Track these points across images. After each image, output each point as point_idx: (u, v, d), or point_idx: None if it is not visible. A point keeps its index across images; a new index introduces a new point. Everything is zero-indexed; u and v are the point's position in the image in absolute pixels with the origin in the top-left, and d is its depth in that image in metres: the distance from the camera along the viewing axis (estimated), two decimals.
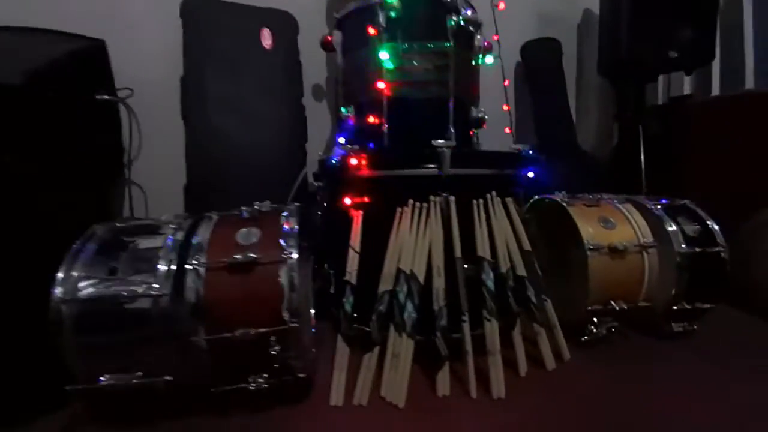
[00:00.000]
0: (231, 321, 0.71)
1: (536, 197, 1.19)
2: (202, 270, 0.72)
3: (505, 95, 1.20)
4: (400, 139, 0.99)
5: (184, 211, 1.25)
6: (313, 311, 0.99)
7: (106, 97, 1.17)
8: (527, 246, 0.98)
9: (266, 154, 1.31)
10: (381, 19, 0.97)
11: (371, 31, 0.98)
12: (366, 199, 0.93)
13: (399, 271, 0.86)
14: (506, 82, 1.21)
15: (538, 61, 1.86)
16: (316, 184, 1.07)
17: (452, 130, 0.99)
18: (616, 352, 1.02)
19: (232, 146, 1.26)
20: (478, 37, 1.12)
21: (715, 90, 1.94)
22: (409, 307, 0.84)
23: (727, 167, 1.69)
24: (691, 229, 1.04)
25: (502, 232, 0.94)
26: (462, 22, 0.99)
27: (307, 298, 0.95)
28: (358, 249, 0.91)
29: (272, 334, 0.70)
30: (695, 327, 1.06)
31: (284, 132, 1.36)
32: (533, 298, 0.93)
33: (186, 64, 1.30)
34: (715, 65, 1.94)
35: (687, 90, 2.06)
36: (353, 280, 0.89)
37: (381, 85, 0.96)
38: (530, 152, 1.00)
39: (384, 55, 0.96)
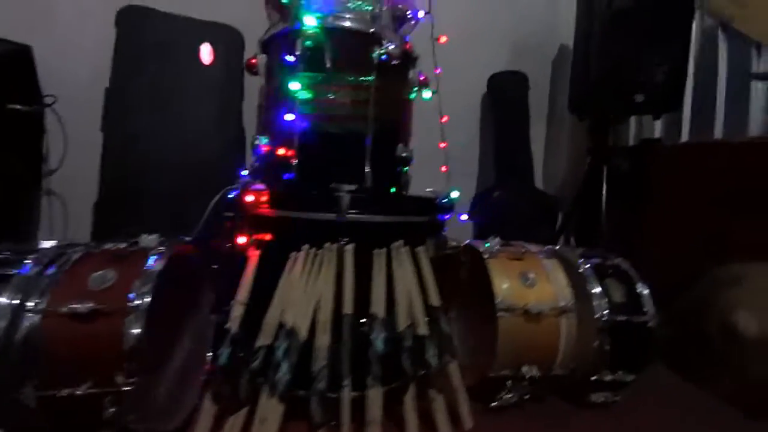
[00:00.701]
0: (64, 376, 0.63)
1: (468, 241, 1.12)
2: (37, 316, 0.65)
3: (442, 133, 1.14)
4: (311, 176, 0.92)
5: (92, 230, 1.18)
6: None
7: (18, 106, 1.11)
8: (436, 301, 0.91)
9: (192, 175, 1.24)
10: (298, 47, 0.91)
11: (289, 58, 0.92)
12: (262, 240, 0.87)
13: (281, 324, 0.79)
14: (444, 119, 1.15)
15: (503, 93, 1.81)
16: (226, 215, 0.99)
17: (367, 170, 0.92)
18: (526, 421, 0.94)
19: (153, 164, 1.19)
20: (413, 70, 1.06)
21: (685, 136, 1.89)
22: (284, 366, 0.76)
23: (690, 215, 1.63)
24: (619, 293, 0.97)
25: (405, 285, 0.87)
26: (386, 56, 0.93)
27: (181, 348, 0.88)
28: (246, 293, 0.83)
29: (106, 395, 0.63)
30: (617, 398, 0.98)
31: (216, 152, 1.30)
32: (432, 360, 0.86)
33: (112, 75, 1.24)
34: (686, 110, 1.90)
35: (659, 133, 2.01)
36: (234, 329, 0.81)
37: (289, 116, 0.90)
38: (444, 200, 0.93)
39: (295, 85, 0.90)
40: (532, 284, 0.94)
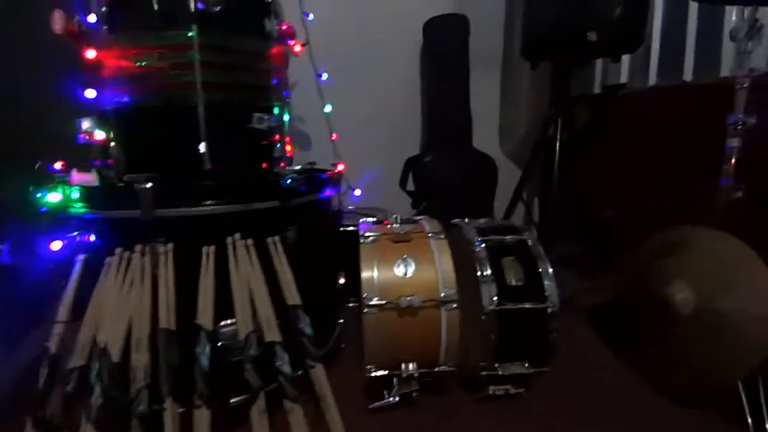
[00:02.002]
0: None
1: (361, 221, 0.99)
2: None
3: (320, 93, 0.98)
4: (136, 164, 0.79)
5: None
6: None
7: None
8: (293, 299, 0.79)
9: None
10: (93, 2, 0.75)
11: (90, 19, 0.76)
12: (83, 244, 0.75)
13: (94, 343, 0.69)
14: (323, 76, 0.98)
15: (438, 39, 1.58)
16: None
17: (203, 149, 0.78)
18: (413, 420, 0.85)
19: None
20: (271, 19, 0.89)
21: (653, 80, 1.66)
22: (97, 389, 0.67)
23: (655, 166, 1.46)
24: (517, 275, 0.84)
25: (244, 285, 0.75)
26: (203, 3, 0.75)
27: None
28: (66, 310, 0.73)
29: None
30: (522, 390, 0.88)
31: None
32: (285, 369, 0.76)
33: None
34: (654, 52, 1.66)
35: (625, 78, 1.78)
36: (53, 349, 0.72)
37: (90, 93, 0.75)
38: (289, 182, 0.78)
39: (91, 53, 0.74)
40: (411, 273, 0.82)
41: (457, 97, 1.46)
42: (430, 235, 0.87)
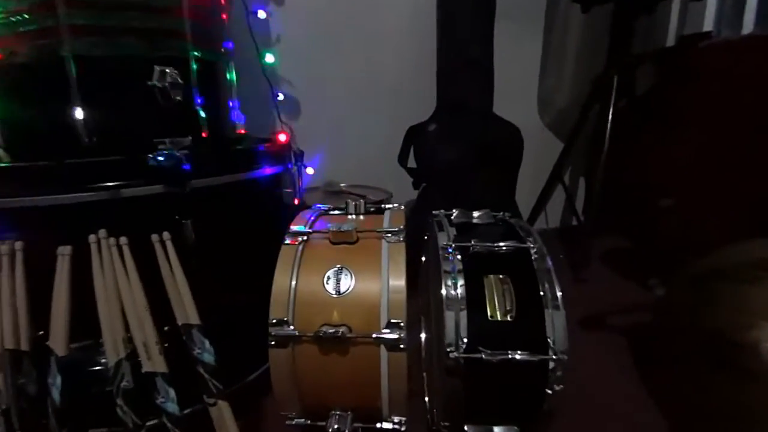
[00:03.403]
0: None
1: (302, 213, 0.74)
2: None
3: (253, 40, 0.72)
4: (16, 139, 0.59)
5: None
6: None
7: None
8: (189, 317, 0.58)
9: None
10: None
11: None
12: None
13: None
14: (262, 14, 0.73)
15: None
16: None
17: (80, 116, 0.56)
18: None
19: None
20: None
21: (748, 27, 1.22)
22: None
23: (742, 147, 1.08)
24: (505, 304, 0.56)
25: (113, 298, 0.54)
26: None
27: None
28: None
29: None
30: None
31: None
32: (170, 407, 0.55)
33: None
34: None
35: (712, 26, 1.34)
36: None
37: None
38: (160, 158, 0.54)
39: None
40: (343, 288, 0.56)
41: (476, 47, 1.13)
42: (387, 235, 0.61)
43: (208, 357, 0.61)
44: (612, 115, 1.30)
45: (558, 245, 1.52)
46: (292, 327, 0.55)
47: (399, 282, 0.56)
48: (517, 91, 1.51)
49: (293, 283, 0.56)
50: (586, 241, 1.36)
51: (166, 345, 0.59)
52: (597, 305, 1.10)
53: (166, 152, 0.54)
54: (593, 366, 0.86)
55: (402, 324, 0.54)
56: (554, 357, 0.52)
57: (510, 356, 0.52)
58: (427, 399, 0.76)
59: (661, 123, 1.34)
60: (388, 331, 0.53)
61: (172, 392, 0.56)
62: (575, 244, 1.41)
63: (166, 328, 0.60)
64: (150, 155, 0.54)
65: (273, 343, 0.55)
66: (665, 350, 0.78)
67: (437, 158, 1.10)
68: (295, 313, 0.55)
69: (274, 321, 0.55)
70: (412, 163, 1.21)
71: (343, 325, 0.54)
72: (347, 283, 0.57)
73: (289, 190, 0.80)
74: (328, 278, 0.57)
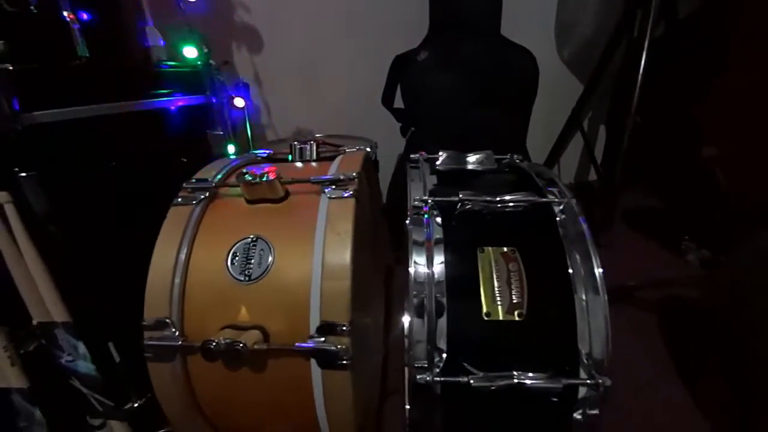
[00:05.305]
0: None
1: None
2: None
3: None
4: None
5: None
6: None
7: None
8: (48, 313, 0.38)
9: None
10: None
11: None
12: None
13: None
14: None
15: None
16: None
17: None
18: None
19: None
20: None
21: None
22: None
23: None
24: (511, 294, 0.36)
25: None
26: None
27: None
28: None
29: None
30: None
31: None
32: (81, 365, 0.38)
33: None
34: None
35: None
36: None
37: None
38: None
39: None
40: (256, 273, 0.36)
41: None
42: (328, 188, 0.40)
43: (85, 365, 0.42)
44: (647, 46, 1.05)
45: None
46: (176, 331, 0.35)
47: (341, 260, 0.35)
48: (529, 18, 1.25)
49: (181, 263, 0.36)
50: (608, 198, 1.17)
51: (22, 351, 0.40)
52: (621, 277, 0.91)
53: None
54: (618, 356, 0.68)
55: (345, 327, 0.34)
56: (589, 381, 0.32)
57: (517, 380, 0.32)
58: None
59: (710, 55, 1.10)
60: (320, 338, 0.33)
61: (81, 346, 0.39)
62: (594, 203, 1.22)
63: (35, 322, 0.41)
64: None
65: (150, 355, 0.35)
66: (721, 339, 0.59)
67: (430, 94, 0.87)
68: (183, 310, 0.36)
69: (151, 323, 0.35)
70: (399, 103, 0.98)
71: (255, 327, 0.35)
72: (263, 262, 0.36)
73: (218, 132, 0.58)
74: (235, 255, 0.37)
